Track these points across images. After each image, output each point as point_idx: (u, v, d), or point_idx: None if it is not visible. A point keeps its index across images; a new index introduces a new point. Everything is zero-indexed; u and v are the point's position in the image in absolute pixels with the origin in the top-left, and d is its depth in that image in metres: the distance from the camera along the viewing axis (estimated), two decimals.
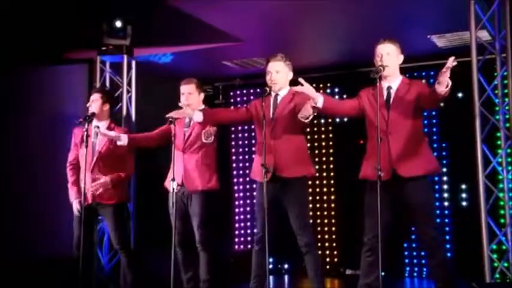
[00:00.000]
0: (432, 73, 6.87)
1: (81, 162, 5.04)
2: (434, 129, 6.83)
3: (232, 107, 5.15)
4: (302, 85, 4.24)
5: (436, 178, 6.73)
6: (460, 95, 6.55)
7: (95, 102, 5.13)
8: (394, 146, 4.20)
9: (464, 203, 6.63)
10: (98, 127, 5.14)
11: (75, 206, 5.06)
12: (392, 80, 4.34)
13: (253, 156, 4.86)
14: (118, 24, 6.02)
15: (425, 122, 6.56)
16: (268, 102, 4.61)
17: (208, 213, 4.85)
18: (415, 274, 6.83)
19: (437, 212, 6.64)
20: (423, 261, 6.71)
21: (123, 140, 4.95)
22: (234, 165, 7.86)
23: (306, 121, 4.33)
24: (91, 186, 4.99)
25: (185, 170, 4.86)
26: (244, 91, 7.95)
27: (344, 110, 4.47)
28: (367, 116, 4.37)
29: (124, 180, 5.21)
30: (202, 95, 5.04)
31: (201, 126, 4.89)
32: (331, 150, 7.42)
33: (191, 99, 4.94)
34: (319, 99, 4.25)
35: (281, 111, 4.56)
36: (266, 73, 4.63)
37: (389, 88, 4.33)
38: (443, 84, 3.91)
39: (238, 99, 7.98)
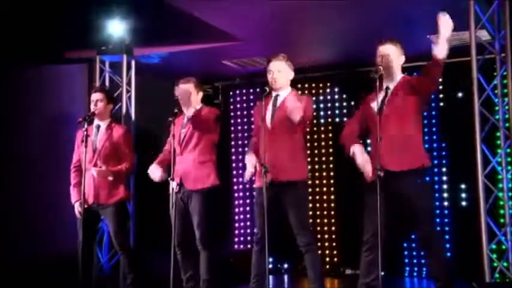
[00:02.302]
0: None
1: (82, 163, 5.04)
2: (434, 129, 6.83)
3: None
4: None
5: (436, 178, 6.74)
6: (459, 94, 6.56)
7: (100, 102, 5.13)
8: (385, 142, 4.15)
9: (463, 203, 6.63)
10: (99, 126, 5.16)
11: (77, 208, 5.06)
12: (393, 80, 4.34)
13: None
14: (117, 24, 6.03)
15: (425, 122, 6.57)
16: (268, 103, 4.61)
17: (208, 212, 4.84)
18: (414, 274, 6.84)
19: (437, 211, 6.65)
20: (423, 261, 6.72)
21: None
22: (234, 164, 7.86)
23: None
24: (92, 175, 4.96)
25: (183, 170, 4.85)
26: (244, 91, 7.96)
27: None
28: (368, 120, 4.37)
29: (124, 174, 5.18)
30: (200, 94, 5.04)
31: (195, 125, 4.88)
32: (331, 150, 7.42)
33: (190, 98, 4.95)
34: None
35: (281, 113, 4.54)
36: (267, 72, 4.62)
37: (387, 89, 4.33)
38: (441, 43, 4.01)
39: (238, 98, 7.99)
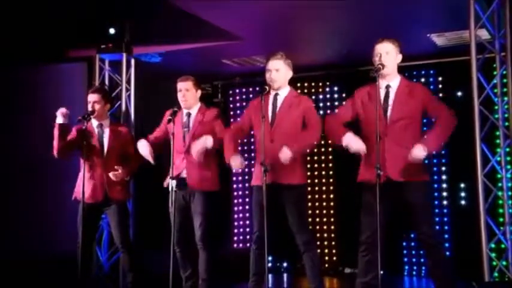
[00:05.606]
0: (432, 72, 6.87)
1: (83, 160, 5.05)
2: None
3: (232, 126, 5.05)
4: None
5: (435, 177, 6.73)
6: (459, 93, 6.55)
7: (98, 104, 5.13)
8: (389, 148, 4.18)
9: (463, 202, 6.62)
10: (102, 125, 5.16)
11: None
12: (391, 79, 4.32)
13: (253, 154, 4.84)
14: (117, 22, 6.04)
15: (425, 120, 6.52)
16: (267, 101, 4.59)
17: (210, 212, 4.86)
18: (414, 273, 6.84)
19: (436, 211, 6.65)
20: (422, 260, 6.72)
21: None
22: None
23: None
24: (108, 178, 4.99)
25: (187, 170, 4.85)
26: (244, 89, 7.95)
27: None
28: (362, 116, 4.32)
29: (133, 173, 5.24)
30: (199, 92, 5.05)
31: (201, 128, 4.87)
32: (330, 149, 7.41)
33: (188, 96, 4.95)
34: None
35: (282, 113, 4.53)
36: (266, 71, 4.62)
37: (388, 87, 4.31)
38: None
39: (238, 97, 7.98)
